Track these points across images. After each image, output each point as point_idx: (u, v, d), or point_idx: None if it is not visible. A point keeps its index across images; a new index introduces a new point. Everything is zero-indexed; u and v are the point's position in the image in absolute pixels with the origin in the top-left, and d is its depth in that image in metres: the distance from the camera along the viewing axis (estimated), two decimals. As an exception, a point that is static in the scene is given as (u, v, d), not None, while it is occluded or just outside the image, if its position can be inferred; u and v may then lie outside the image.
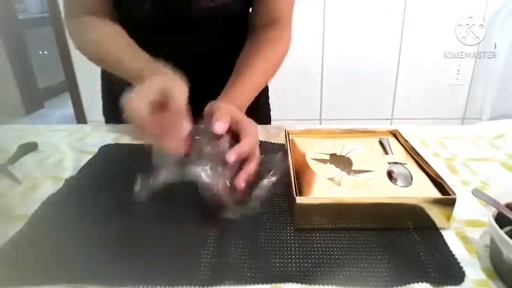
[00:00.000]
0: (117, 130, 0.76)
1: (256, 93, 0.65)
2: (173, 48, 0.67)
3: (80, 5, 0.67)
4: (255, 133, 0.51)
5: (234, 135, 0.51)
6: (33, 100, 3.17)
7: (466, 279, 0.38)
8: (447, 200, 0.46)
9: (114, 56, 0.61)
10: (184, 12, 0.67)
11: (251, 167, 0.48)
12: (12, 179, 0.58)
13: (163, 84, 0.47)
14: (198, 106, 0.51)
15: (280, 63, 0.71)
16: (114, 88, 0.67)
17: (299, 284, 0.38)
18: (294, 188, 0.47)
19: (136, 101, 0.45)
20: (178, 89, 0.47)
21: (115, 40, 0.62)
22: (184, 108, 0.46)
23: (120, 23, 0.66)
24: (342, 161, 0.57)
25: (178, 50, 0.69)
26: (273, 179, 0.49)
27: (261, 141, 0.61)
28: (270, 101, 0.94)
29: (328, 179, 0.52)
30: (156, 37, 0.68)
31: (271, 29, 0.71)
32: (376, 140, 0.64)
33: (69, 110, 2.37)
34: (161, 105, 0.46)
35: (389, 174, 0.53)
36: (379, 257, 0.41)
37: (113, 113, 0.80)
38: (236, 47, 0.71)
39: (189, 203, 0.48)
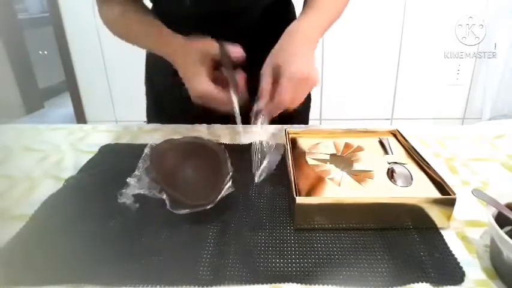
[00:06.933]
0: (117, 130, 0.76)
1: (328, 26, 0.69)
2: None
3: None
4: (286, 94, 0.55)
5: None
6: (33, 100, 3.16)
7: (466, 279, 0.38)
8: (447, 200, 0.46)
9: (141, 44, 0.70)
10: (227, 5, 0.68)
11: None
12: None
13: (196, 53, 0.58)
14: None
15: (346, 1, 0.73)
16: (158, 90, 0.69)
17: (299, 284, 0.38)
18: (294, 188, 0.47)
19: (200, 85, 0.57)
20: (209, 44, 0.58)
21: (142, 28, 0.69)
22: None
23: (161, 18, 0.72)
24: (342, 161, 0.57)
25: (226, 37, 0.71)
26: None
27: (260, 142, 0.61)
28: None
29: (328, 179, 0.52)
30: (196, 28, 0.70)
31: None
32: (376, 140, 0.64)
33: (69, 109, 2.37)
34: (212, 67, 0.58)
35: (390, 174, 0.53)
36: (379, 257, 0.41)
37: (157, 114, 0.85)
38: (285, 13, 0.73)
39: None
